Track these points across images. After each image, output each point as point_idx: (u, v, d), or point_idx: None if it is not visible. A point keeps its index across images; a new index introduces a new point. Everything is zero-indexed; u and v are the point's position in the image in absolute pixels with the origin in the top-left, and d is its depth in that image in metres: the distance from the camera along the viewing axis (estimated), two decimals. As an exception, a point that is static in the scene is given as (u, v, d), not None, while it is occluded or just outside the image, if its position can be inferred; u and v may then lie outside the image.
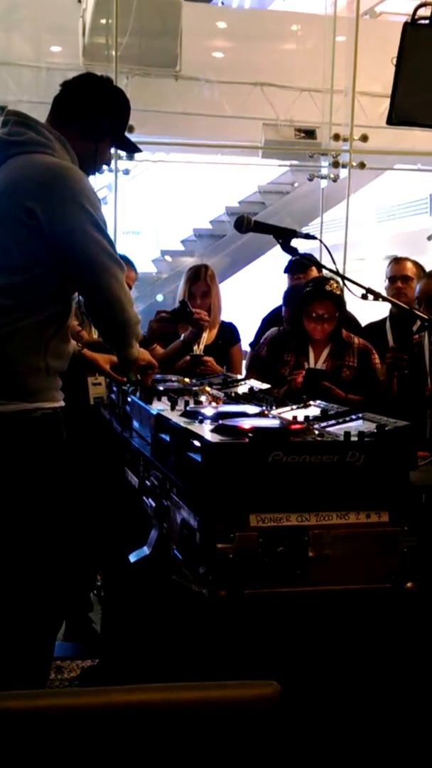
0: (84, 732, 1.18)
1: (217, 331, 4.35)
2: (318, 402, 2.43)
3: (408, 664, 1.90)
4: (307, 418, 2.17)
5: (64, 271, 2.35)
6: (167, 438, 2.12)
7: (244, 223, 2.64)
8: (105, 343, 2.65)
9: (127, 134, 2.71)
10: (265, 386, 2.86)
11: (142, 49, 7.07)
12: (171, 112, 7.65)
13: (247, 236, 9.82)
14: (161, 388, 2.70)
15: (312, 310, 3.82)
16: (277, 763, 1.22)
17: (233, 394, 2.69)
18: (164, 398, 2.53)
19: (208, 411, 2.17)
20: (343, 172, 7.67)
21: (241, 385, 2.96)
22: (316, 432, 1.98)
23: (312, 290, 3.87)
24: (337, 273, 2.83)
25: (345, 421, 2.12)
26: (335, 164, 7.62)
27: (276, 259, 6.32)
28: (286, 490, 1.77)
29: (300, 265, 4.61)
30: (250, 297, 10.09)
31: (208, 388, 2.75)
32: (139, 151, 2.84)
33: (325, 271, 3.67)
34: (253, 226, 2.64)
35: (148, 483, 2.29)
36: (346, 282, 2.75)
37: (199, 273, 4.34)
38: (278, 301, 4.80)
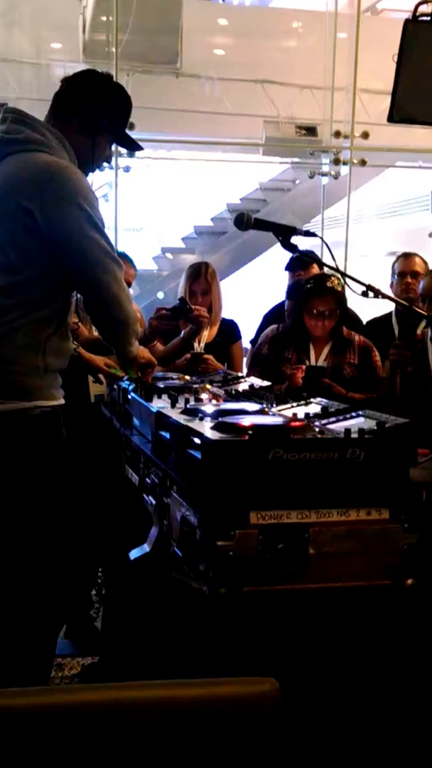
0: (85, 729, 1.18)
1: (217, 328, 4.35)
2: (318, 399, 2.43)
3: (408, 661, 1.90)
4: (307, 415, 2.18)
5: (62, 269, 2.35)
6: (168, 435, 2.12)
7: (245, 220, 2.63)
8: (104, 341, 2.65)
9: (128, 132, 2.70)
10: (266, 384, 2.86)
11: (142, 46, 7.05)
12: (172, 109, 7.62)
13: (247, 234, 9.81)
14: (162, 386, 2.70)
15: (313, 306, 3.82)
16: (276, 759, 1.22)
17: (234, 392, 2.69)
18: (165, 396, 2.53)
19: (209, 408, 2.17)
20: (344, 170, 7.66)
21: (241, 382, 2.96)
22: (317, 429, 1.98)
23: (313, 287, 3.87)
24: (337, 270, 2.83)
25: (345, 419, 2.13)
26: (336, 161, 7.61)
27: (277, 256, 6.32)
28: (286, 488, 1.77)
29: (301, 263, 4.61)
30: (251, 294, 10.08)
31: (208, 386, 2.75)
32: (140, 149, 2.82)
33: (326, 268, 3.66)
34: (253, 224, 2.64)
35: (148, 480, 2.29)
36: (347, 279, 2.75)
37: (200, 271, 4.34)
38: (279, 298, 4.80)
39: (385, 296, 2.74)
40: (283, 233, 2.59)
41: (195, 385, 2.77)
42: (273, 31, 8.62)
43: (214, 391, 2.65)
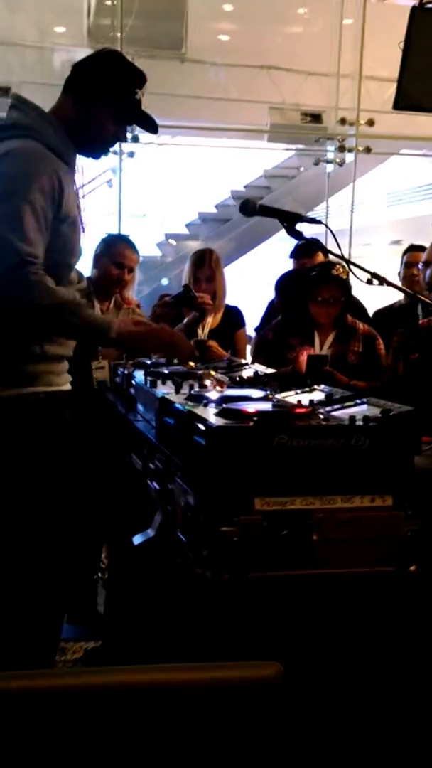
0: (87, 712, 1.19)
1: (221, 315, 4.35)
2: (322, 387, 2.43)
3: (411, 647, 1.91)
4: (311, 402, 2.18)
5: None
6: (172, 421, 2.12)
7: (250, 206, 2.63)
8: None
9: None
10: (270, 370, 2.86)
11: (147, 31, 7.02)
12: (176, 95, 7.60)
13: (252, 220, 9.80)
14: (166, 372, 2.70)
15: (318, 294, 3.82)
16: (280, 743, 1.23)
17: (238, 378, 2.69)
18: (169, 382, 2.53)
19: (213, 395, 2.17)
20: (349, 157, 7.64)
21: (245, 369, 2.96)
22: (321, 416, 1.99)
23: (318, 274, 3.87)
24: (342, 258, 2.82)
25: (349, 406, 2.13)
26: (341, 149, 7.59)
27: (281, 243, 6.30)
28: (290, 474, 1.77)
29: (306, 250, 4.61)
30: (255, 281, 10.07)
31: (212, 372, 2.75)
32: (155, 129, 2.59)
33: (330, 256, 3.66)
34: (258, 210, 2.64)
35: (152, 466, 2.29)
36: (352, 267, 2.75)
37: (204, 257, 4.34)
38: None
39: (389, 284, 2.74)
40: (289, 220, 2.58)
41: (199, 372, 2.77)
42: (278, 16, 8.58)
43: (219, 378, 2.65)
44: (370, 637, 1.87)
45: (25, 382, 2.36)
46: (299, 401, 2.17)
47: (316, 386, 2.43)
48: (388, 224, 13.94)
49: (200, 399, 2.12)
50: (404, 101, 4.34)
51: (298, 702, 1.66)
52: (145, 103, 2.55)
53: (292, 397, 2.29)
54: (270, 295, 5.04)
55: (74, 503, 2.46)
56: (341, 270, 3.84)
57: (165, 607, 2.29)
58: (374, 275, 2.66)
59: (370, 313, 4.72)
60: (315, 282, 3.84)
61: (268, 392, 2.33)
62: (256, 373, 2.80)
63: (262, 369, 2.88)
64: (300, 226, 2.62)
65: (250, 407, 1.92)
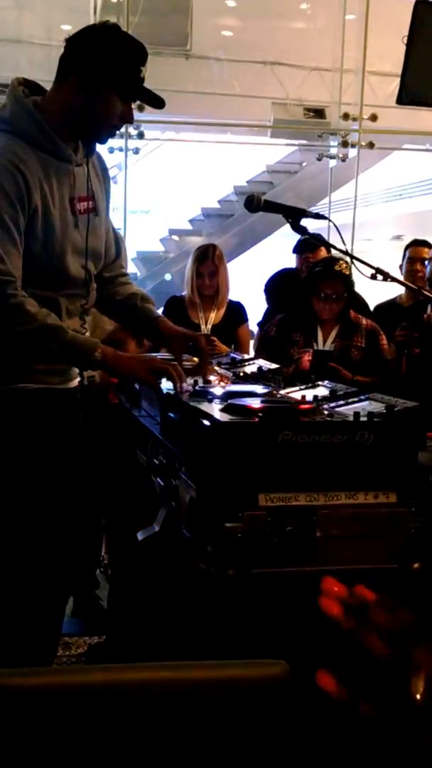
0: (91, 709, 1.19)
1: (224, 311, 4.36)
2: (326, 382, 2.43)
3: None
4: (315, 398, 2.18)
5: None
6: (176, 417, 2.12)
7: (254, 202, 2.63)
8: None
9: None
10: (274, 366, 2.86)
11: (152, 28, 7.01)
12: (181, 90, 7.59)
13: (255, 216, 9.79)
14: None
15: (321, 289, 3.82)
16: (286, 741, 1.23)
17: (241, 374, 2.69)
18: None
19: (217, 390, 2.17)
20: (352, 152, 7.63)
21: (249, 364, 2.96)
22: (326, 412, 1.99)
23: (321, 270, 3.87)
24: (346, 253, 2.82)
25: (354, 402, 2.13)
26: (344, 144, 7.57)
27: (284, 239, 6.30)
28: (295, 470, 1.78)
29: (309, 245, 4.61)
30: (258, 277, 10.07)
31: (216, 368, 2.75)
32: (162, 104, 2.39)
33: (334, 251, 3.66)
34: (263, 205, 2.64)
35: (156, 462, 2.29)
36: (355, 262, 2.75)
37: (207, 253, 4.34)
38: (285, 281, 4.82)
39: (393, 279, 2.74)
40: (293, 215, 2.58)
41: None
42: (282, 12, 8.56)
43: (222, 373, 2.65)
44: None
45: (15, 379, 2.31)
46: (303, 397, 2.17)
47: (320, 382, 2.43)
48: (391, 219, 13.92)
49: (204, 395, 2.12)
50: (408, 96, 4.32)
51: (303, 699, 1.66)
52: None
53: (296, 392, 2.29)
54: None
55: (68, 498, 2.44)
56: (344, 265, 3.84)
57: (169, 603, 2.29)
58: (378, 270, 2.66)
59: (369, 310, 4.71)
60: (318, 277, 3.84)
61: (272, 388, 2.33)
62: (260, 368, 2.80)
63: (266, 364, 2.88)
64: (304, 221, 2.62)
65: (255, 403, 1.92)
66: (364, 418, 1.86)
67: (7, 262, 2.16)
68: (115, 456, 3.06)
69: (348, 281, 3.85)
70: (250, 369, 2.81)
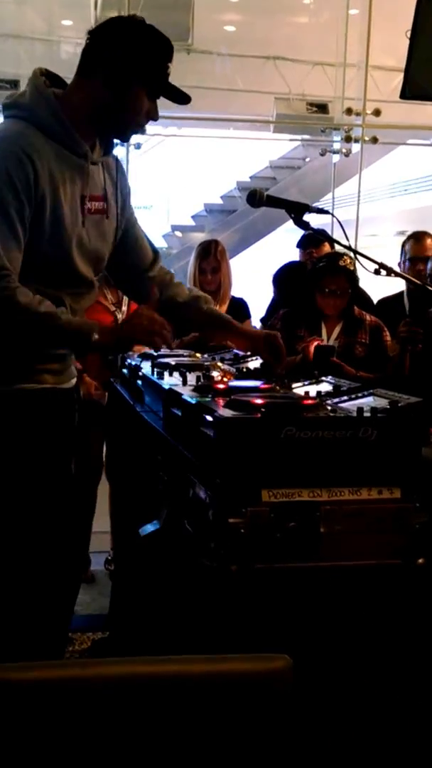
0: (96, 704, 1.19)
1: (227, 306, 4.35)
2: (330, 378, 2.43)
3: (418, 641, 1.91)
4: (319, 393, 2.17)
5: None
6: (179, 413, 2.12)
7: (257, 197, 2.62)
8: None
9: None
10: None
11: (154, 23, 6.96)
12: (183, 85, 7.54)
13: (257, 212, 9.80)
14: (173, 363, 2.69)
15: (325, 285, 3.81)
16: (289, 735, 1.23)
17: (245, 369, 2.68)
18: (176, 373, 2.53)
19: (220, 386, 2.17)
20: (356, 147, 7.61)
21: (252, 360, 2.95)
22: (329, 408, 1.98)
23: (325, 265, 3.86)
24: (350, 248, 2.81)
25: (357, 397, 2.12)
26: (347, 139, 7.55)
27: (287, 234, 6.29)
28: (298, 466, 1.77)
29: (313, 240, 4.61)
30: (261, 272, 10.06)
31: (219, 363, 2.75)
32: (188, 100, 2.39)
33: (337, 247, 3.66)
34: (265, 201, 2.63)
35: (159, 457, 2.29)
36: (359, 257, 2.74)
37: (210, 249, 4.34)
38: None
39: (397, 274, 2.73)
40: (296, 210, 2.57)
41: (206, 363, 2.77)
42: (285, 7, 8.54)
43: (225, 369, 2.65)
44: (378, 630, 1.87)
45: (16, 378, 2.27)
46: (307, 393, 2.17)
47: (323, 377, 2.42)
48: (394, 215, 13.90)
49: (208, 390, 2.12)
50: (411, 91, 4.30)
51: (305, 694, 1.66)
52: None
53: (299, 388, 2.29)
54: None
55: (70, 496, 2.43)
56: (348, 261, 3.83)
57: (172, 599, 2.29)
58: (382, 265, 2.65)
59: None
60: (322, 273, 3.84)
61: (275, 384, 2.33)
62: (263, 364, 2.79)
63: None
64: (307, 217, 2.62)
65: (258, 399, 1.92)
66: (368, 414, 1.86)
67: (3, 256, 2.11)
68: (118, 452, 3.05)
69: (352, 277, 3.84)
70: (253, 364, 2.81)
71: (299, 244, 4.82)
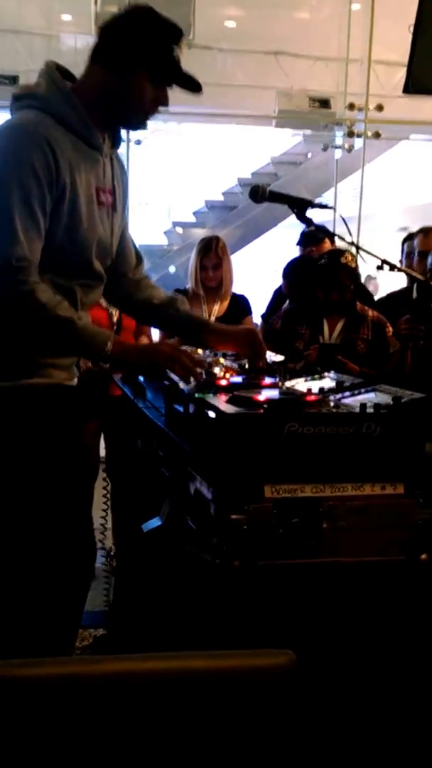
0: (98, 700, 1.18)
1: (228, 303, 4.35)
2: (333, 374, 2.42)
3: (422, 636, 1.90)
4: (322, 389, 2.16)
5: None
6: (181, 409, 2.11)
7: (260, 192, 2.62)
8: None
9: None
10: (279, 358, 2.85)
11: (154, 17, 6.97)
12: (184, 81, 7.55)
13: (259, 208, 9.78)
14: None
15: (326, 282, 3.81)
16: (292, 731, 1.22)
17: (247, 366, 2.68)
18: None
19: (223, 382, 2.16)
20: (358, 142, 7.60)
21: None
22: (332, 403, 1.97)
23: (327, 262, 3.86)
24: (352, 244, 2.81)
25: (360, 393, 2.11)
26: (350, 134, 7.54)
27: (288, 231, 6.28)
28: (301, 462, 1.77)
29: (312, 238, 4.60)
30: (262, 269, 10.05)
31: (221, 360, 2.74)
32: (198, 88, 2.32)
33: (339, 243, 3.65)
34: (268, 196, 2.62)
35: (161, 453, 2.29)
36: (362, 253, 2.73)
37: (211, 245, 4.33)
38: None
39: (400, 269, 2.73)
40: (298, 206, 2.57)
41: (208, 359, 2.76)
42: (286, 2, 8.52)
43: (228, 365, 2.64)
44: (381, 626, 1.86)
45: (23, 374, 2.24)
46: (309, 389, 2.16)
47: (326, 373, 2.41)
48: (397, 210, 13.88)
49: (210, 386, 2.11)
50: (414, 85, 4.30)
51: (309, 690, 1.66)
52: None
53: (302, 384, 2.28)
54: (277, 282, 5.03)
55: (81, 492, 2.42)
56: (350, 258, 3.82)
57: (174, 595, 2.29)
58: (384, 261, 2.65)
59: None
60: (323, 270, 3.83)
61: (278, 380, 2.32)
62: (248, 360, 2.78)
63: (271, 356, 2.87)
64: (309, 213, 2.61)
65: (261, 395, 1.91)
66: (371, 410, 1.85)
67: (26, 247, 2.08)
68: (121, 449, 3.05)
69: (353, 273, 3.83)
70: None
71: (299, 243, 4.79)
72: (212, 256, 4.30)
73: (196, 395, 1.99)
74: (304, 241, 4.71)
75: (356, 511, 1.79)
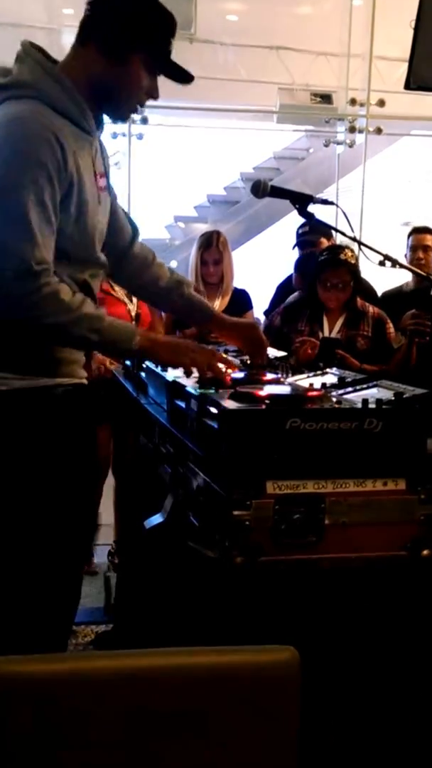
0: (100, 696, 1.18)
1: (229, 298, 4.35)
2: (334, 370, 2.42)
3: (424, 633, 1.91)
4: (324, 385, 2.17)
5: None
6: (183, 405, 2.11)
7: (261, 187, 2.62)
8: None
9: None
10: (281, 353, 2.85)
11: (156, 12, 6.96)
12: (185, 76, 7.54)
13: (260, 203, 9.76)
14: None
15: (326, 278, 3.81)
16: (296, 728, 1.23)
17: (249, 361, 2.68)
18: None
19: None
20: (360, 138, 7.57)
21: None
22: (334, 399, 1.98)
23: (326, 258, 3.85)
24: (354, 239, 2.80)
25: (362, 389, 2.12)
26: (351, 129, 7.51)
27: (290, 226, 6.28)
28: (303, 457, 1.77)
29: (308, 241, 4.58)
30: (264, 264, 10.04)
31: (223, 354, 2.74)
32: (190, 79, 2.25)
33: (340, 239, 3.65)
34: (270, 191, 2.62)
35: (163, 450, 2.29)
36: (363, 248, 2.73)
37: (211, 240, 4.33)
38: (292, 269, 4.77)
39: (402, 266, 2.73)
40: (300, 201, 2.57)
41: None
42: (288, -4, 8.50)
43: (229, 361, 2.64)
44: (383, 621, 1.86)
45: (44, 371, 2.18)
46: (311, 384, 2.16)
47: (328, 369, 2.42)
48: (399, 206, 13.86)
49: (216, 383, 2.11)
50: (416, 81, 4.27)
51: (311, 686, 1.66)
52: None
53: (303, 380, 2.28)
54: (279, 278, 5.02)
55: (89, 490, 2.41)
56: (350, 254, 3.82)
57: (176, 591, 2.29)
58: (386, 257, 2.65)
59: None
60: (324, 266, 3.83)
61: (280, 375, 2.32)
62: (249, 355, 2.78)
63: (273, 352, 2.87)
64: (311, 208, 2.61)
65: (263, 390, 1.91)
66: (373, 405, 1.85)
67: (43, 248, 2.02)
68: (124, 446, 3.05)
69: (354, 270, 3.83)
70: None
71: (296, 246, 4.75)
72: (213, 251, 4.30)
73: (198, 391, 2.00)
74: (302, 245, 4.68)
75: (358, 506, 1.79)
